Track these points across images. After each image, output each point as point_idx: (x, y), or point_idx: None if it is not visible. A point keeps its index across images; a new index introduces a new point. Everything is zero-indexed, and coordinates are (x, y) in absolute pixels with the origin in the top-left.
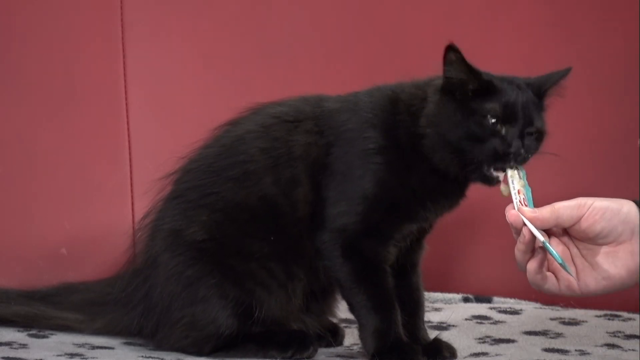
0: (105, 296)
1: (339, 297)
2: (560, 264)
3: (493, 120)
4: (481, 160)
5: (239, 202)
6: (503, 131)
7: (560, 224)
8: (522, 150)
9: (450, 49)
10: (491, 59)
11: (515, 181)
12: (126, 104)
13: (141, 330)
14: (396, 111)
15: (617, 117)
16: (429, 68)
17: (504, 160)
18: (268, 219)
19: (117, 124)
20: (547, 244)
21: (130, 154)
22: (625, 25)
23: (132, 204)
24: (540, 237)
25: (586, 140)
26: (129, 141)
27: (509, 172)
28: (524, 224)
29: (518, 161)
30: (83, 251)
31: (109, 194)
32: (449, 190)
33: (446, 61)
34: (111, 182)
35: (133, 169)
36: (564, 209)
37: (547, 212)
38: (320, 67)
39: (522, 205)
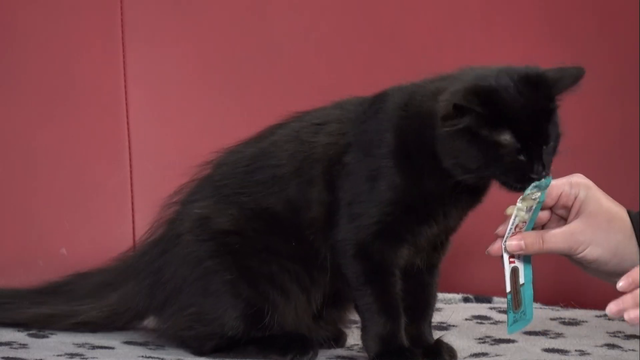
0: (118, 274)
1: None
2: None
3: (512, 153)
4: (502, 180)
5: (266, 206)
6: (522, 157)
7: None
8: (544, 173)
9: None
10: (491, 59)
11: (518, 217)
12: (126, 104)
13: (150, 303)
14: (407, 114)
15: (617, 117)
16: (429, 68)
17: (525, 182)
18: (292, 223)
19: (117, 124)
20: (509, 297)
21: (130, 154)
22: (625, 26)
23: (132, 204)
24: (508, 287)
25: (586, 140)
26: (129, 141)
27: (518, 204)
28: (502, 257)
29: (540, 179)
30: (83, 251)
31: (109, 194)
32: (469, 190)
33: (451, 114)
34: (111, 182)
35: (133, 169)
36: (555, 244)
37: (533, 249)
38: (321, 68)
39: (515, 233)
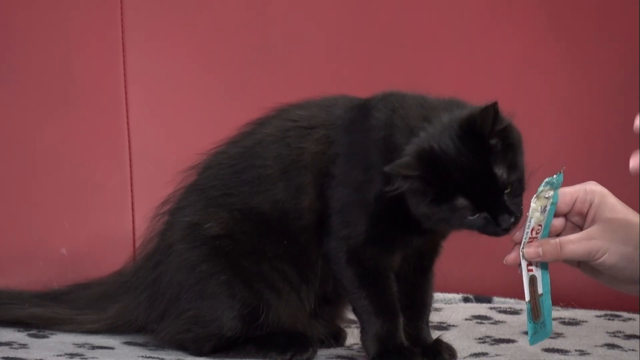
0: (118, 287)
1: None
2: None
3: (471, 214)
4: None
5: (254, 205)
6: (485, 213)
7: None
8: (512, 219)
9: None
10: (491, 59)
11: (534, 219)
12: (126, 104)
13: (149, 315)
14: (390, 135)
15: (616, 117)
16: (429, 68)
17: (497, 234)
18: (280, 224)
19: (117, 124)
20: (528, 307)
21: (130, 154)
22: (625, 26)
23: (132, 204)
24: (527, 296)
25: (586, 141)
26: (129, 141)
27: (532, 204)
28: (520, 265)
29: (509, 228)
30: (83, 251)
31: (109, 194)
32: None
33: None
34: (111, 182)
35: (133, 169)
36: (574, 250)
37: (551, 257)
38: (321, 67)
39: (531, 240)
